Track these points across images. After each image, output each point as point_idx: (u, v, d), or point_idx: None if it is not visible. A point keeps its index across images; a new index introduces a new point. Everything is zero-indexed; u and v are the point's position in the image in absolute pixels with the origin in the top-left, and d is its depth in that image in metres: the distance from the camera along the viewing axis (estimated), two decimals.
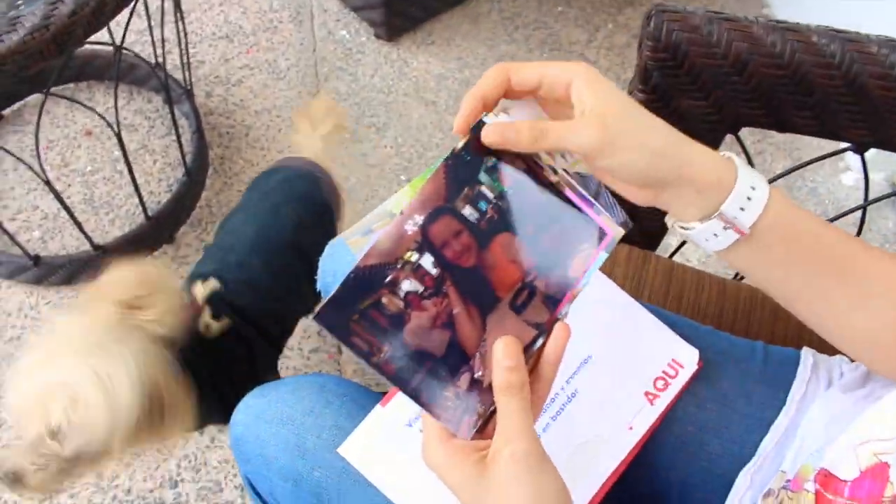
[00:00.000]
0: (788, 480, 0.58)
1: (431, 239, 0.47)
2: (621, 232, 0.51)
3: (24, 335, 1.40)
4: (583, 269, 0.50)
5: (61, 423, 0.72)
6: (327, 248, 0.81)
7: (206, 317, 0.96)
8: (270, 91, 1.73)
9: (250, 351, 1.02)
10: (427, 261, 0.46)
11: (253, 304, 1.02)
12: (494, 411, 0.46)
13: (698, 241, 0.52)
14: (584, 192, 0.50)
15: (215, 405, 0.96)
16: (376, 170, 1.64)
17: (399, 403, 0.63)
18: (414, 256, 0.46)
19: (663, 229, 0.91)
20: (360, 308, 0.45)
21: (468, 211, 0.48)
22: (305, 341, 1.43)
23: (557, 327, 0.48)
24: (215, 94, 1.72)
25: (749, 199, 0.50)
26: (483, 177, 0.48)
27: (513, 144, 0.49)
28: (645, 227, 0.89)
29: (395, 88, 1.76)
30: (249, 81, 1.74)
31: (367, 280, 0.45)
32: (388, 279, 0.46)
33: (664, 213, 0.86)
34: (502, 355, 0.46)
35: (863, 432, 0.53)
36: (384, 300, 0.45)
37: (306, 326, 1.43)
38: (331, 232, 1.15)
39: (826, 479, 0.52)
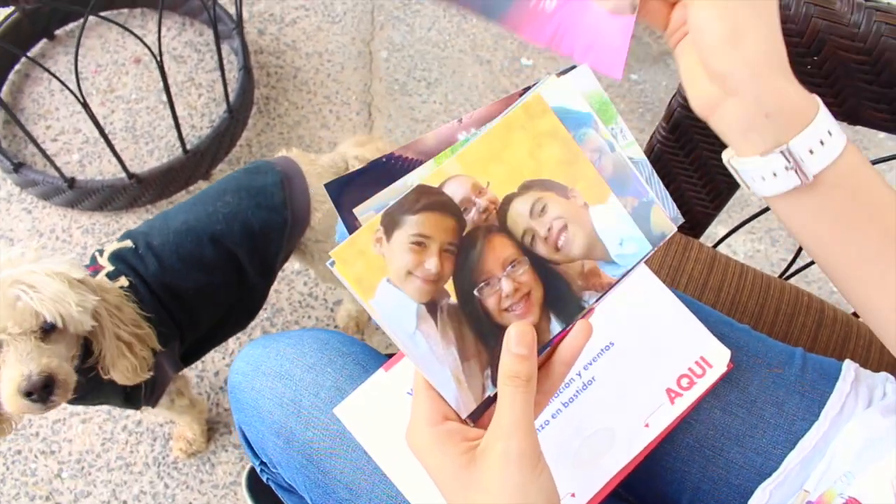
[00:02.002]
0: (810, 502, 0.53)
1: None
2: (673, 229, 0.46)
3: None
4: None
5: None
6: None
7: (103, 275, 0.93)
8: (324, 34, 1.69)
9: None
10: None
11: (157, 276, 0.97)
12: (493, 399, 0.42)
13: (751, 181, 0.46)
14: (639, 177, 0.45)
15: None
16: (423, 125, 1.60)
17: (403, 370, 0.60)
18: None
19: (709, 217, 0.86)
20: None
21: None
22: (331, 293, 1.40)
23: (578, 325, 0.43)
24: (268, 32, 1.68)
25: (822, 143, 0.44)
26: None
27: None
28: (691, 213, 0.83)
29: (451, 44, 1.71)
30: (303, 23, 1.70)
31: (394, 170, 0.42)
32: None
33: (713, 201, 0.80)
34: (515, 341, 0.41)
35: None
36: None
37: (334, 278, 1.41)
38: (275, 238, 1.05)
39: None
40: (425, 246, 0.41)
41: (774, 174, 0.45)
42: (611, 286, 0.45)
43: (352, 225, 0.42)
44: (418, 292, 0.41)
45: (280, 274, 1.41)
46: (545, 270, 0.43)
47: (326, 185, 0.42)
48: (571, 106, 0.44)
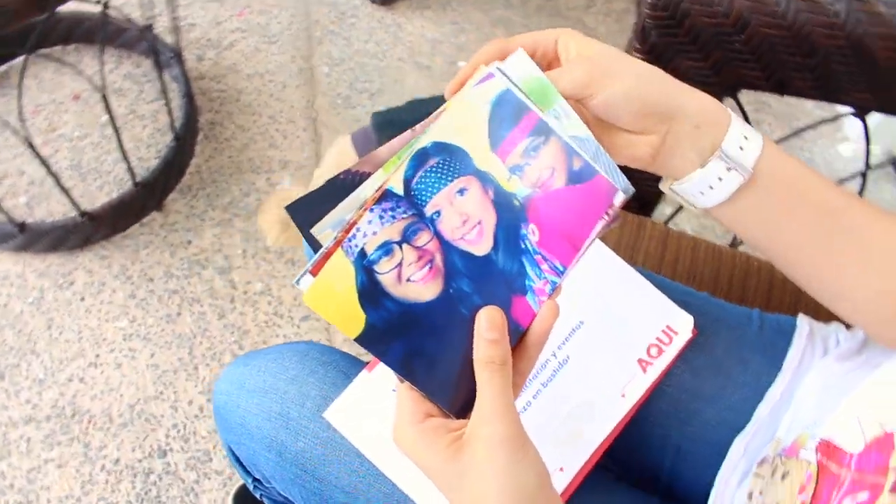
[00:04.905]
0: (784, 448, 0.56)
1: None
2: (623, 198, 0.49)
3: (10, 303, 1.39)
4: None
5: None
6: None
7: None
8: (263, 55, 1.70)
9: None
10: None
11: None
12: (472, 391, 0.44)
13: (697, 196, 0.50)
14: (585, 156, 0.48)
15: None
16: None
17: (385, 368, 0.62)
18: None
19: (658, 196, 0.90)
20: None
21: None
22: (296, 309, 1.41)
23: (546, 306, 0.46)
24: (206, 57, 1.68)
25: (746, 137, 0.48)
26: None
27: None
28: (641, 193, 0.87)
29: (389, 53, 1.73)
30: (241, 45, 1.71)
31: (351, 185, 0.43)
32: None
33: (658, 179, 0.84)
34: (485, 327, 0.44)
35: (865, 402, 0.52)
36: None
37: (296, 294, 1.41)
38: None
39: (829, 450, 0.51)
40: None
41: (720, 178, 0.49)
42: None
43: (314, 244, 0.44)
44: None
45: (243, 296, 1.42)
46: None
47: (287, 208, 0.43)
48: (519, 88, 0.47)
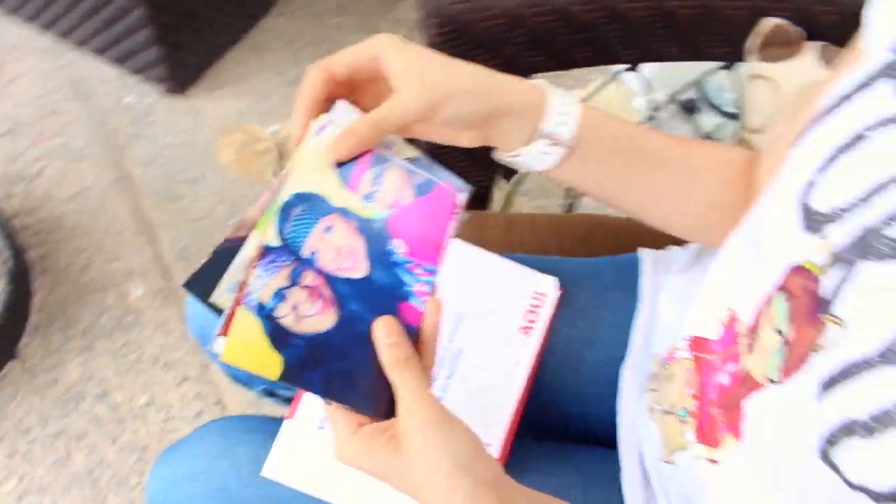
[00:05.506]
0: (663, 358, 0.65)
1: None
2: (464, 196, 0.56)
3: None
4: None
5: None
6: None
7: None
8: (73, 174, 1.66)
9: None
10: None
11: None
12: (391, 393, 0.49)
13: (529, 164, 0.58)
14: (421, 171, 0.55)
15: None
16: (203, 222, 1.61)
17: (306, 410, 0.65)
18: None
19: (488, 189, 0.98)
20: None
21: None
22: (188, 408, 1.39)
23: (429, 303, 0.52)
24: (15, 193, 1.62)
25: (564, 113, 0.55)
26: None
27: (362, 145, 0.52)
28: (474, 190, 0.95)
29: (196, 139, 1.73)
30: (48, 171, 1.66)
31: (234, 250, 0.48)
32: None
33: (485, 173, 0.92)
34: (384, 333, 0.49)
35: (709, 300, 0.61)
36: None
37: (183, 394, 1.40)
38: None
39: (697, 344, 0.58)
40: None
41: (545, 153, 0.56)
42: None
43: (216, 309, 0.48)
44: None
45: (130, 414, 1.38)
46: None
47: (184, 285, 0.47)
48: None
